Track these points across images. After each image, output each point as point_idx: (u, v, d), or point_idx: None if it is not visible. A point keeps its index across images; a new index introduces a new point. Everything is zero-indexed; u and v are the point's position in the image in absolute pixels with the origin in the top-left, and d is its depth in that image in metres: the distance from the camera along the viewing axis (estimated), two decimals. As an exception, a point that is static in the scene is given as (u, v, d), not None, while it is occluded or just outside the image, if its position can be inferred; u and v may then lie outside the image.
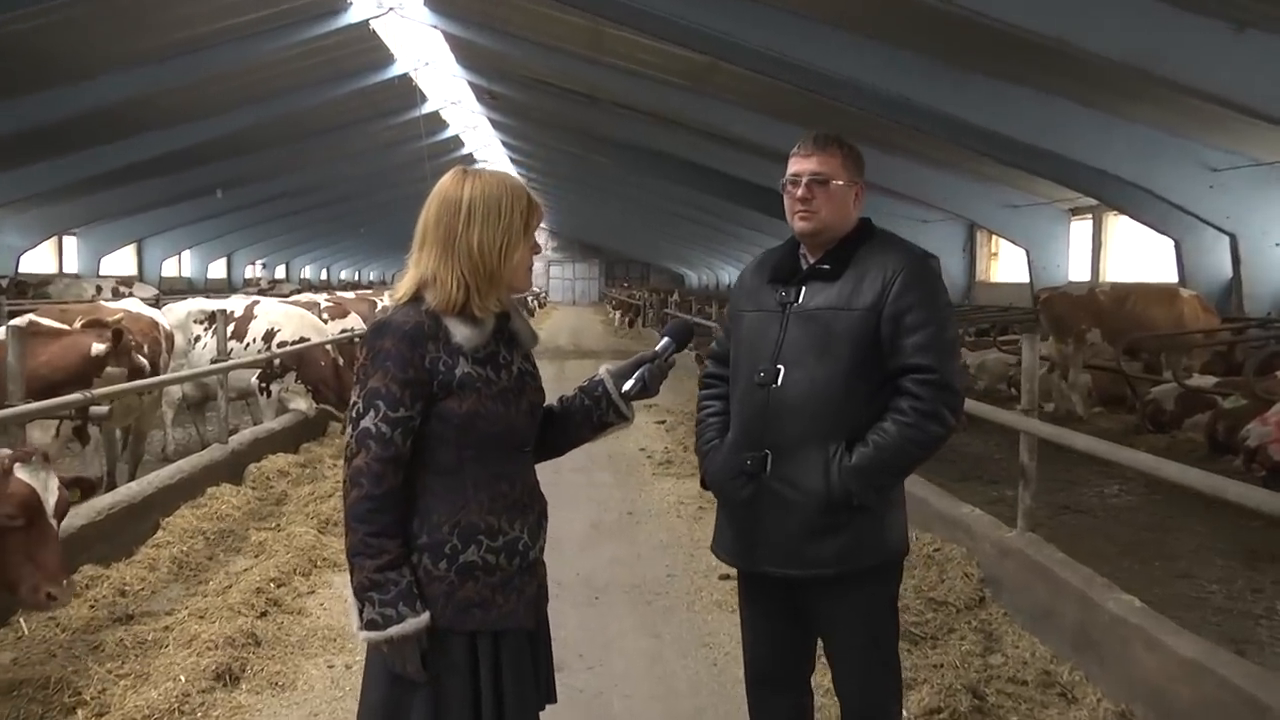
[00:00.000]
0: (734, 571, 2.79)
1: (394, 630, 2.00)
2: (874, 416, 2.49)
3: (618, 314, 34.69)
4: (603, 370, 2.37)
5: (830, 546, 2.50)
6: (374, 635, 2.01)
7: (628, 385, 2.32)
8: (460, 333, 2.07)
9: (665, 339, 2.42)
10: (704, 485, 2.78)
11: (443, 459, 2.08)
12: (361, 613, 2.02)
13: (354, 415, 2.05)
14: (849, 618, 2.58)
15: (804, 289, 2.58)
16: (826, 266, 2.57)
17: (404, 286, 2.13)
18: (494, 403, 2.09)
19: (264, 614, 4.62)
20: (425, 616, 2.02)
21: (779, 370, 2.54)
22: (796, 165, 2.61)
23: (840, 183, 2.59)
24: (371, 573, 2.00)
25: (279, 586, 4.98)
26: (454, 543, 2.06)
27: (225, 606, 4.60)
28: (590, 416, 2.34)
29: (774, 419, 2.54)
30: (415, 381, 2.04)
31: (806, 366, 2.52)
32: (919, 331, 2.46)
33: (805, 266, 2.63)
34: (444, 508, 2.07)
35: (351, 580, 2.05)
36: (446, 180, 2.14)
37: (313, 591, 5.08)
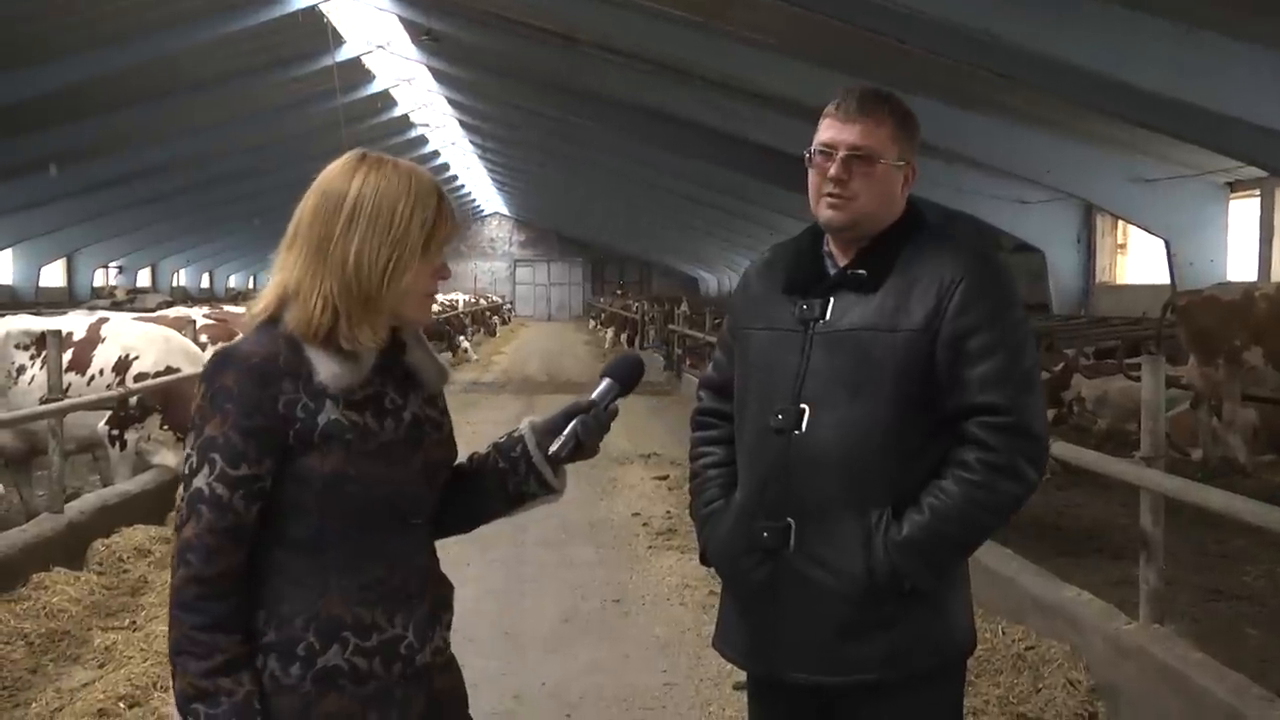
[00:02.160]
0: (752, 677, 2.82)
1: None
2: (928, 472, 2.54)
3: (610, 331, 34.76)
4: (525, 424, 2.39)
5: (875, 645, 2.53)
6: None
7: (555, 445, 2.33)
8: (325, 369, 2.11)
9: (605, 380, 2.42)
10: (704, 561, 2.82)
11: (299, 532, 2.12)
12: None
13: (186, 472, 2.08)
14: None
15: (832, 301, 2.61)
16: (863, 272, 2.60)
17: (263, 299, 2.18)
18: (371, 461, 2.13)
19: (109, 745, 4.64)
20: None
21: (802, 411, 2.57)
22: (832, 132, 2.63)
23: (888, 161, 2.61)
24: (198, 678, 2.02)
25: (132, 707, 4.99)
26: (310, 641, 2.09)
27: (54, 735, 4.61)
28: (505, 484, 2.36)
29: (798, 477, 2.56)
30: (263, 430, 2.07)
31: (838, 406, 2.54)
32: (987, 359, 2.50)
33: (834, 270, 2.67)
34: (299, 595, 2.11)
35: (174, 687, 2.07)
36: (336, 166, 2.20)
37: (178, 713, 5.09)
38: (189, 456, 2.09)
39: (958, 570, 2.63)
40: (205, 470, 2.06)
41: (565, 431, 2.33)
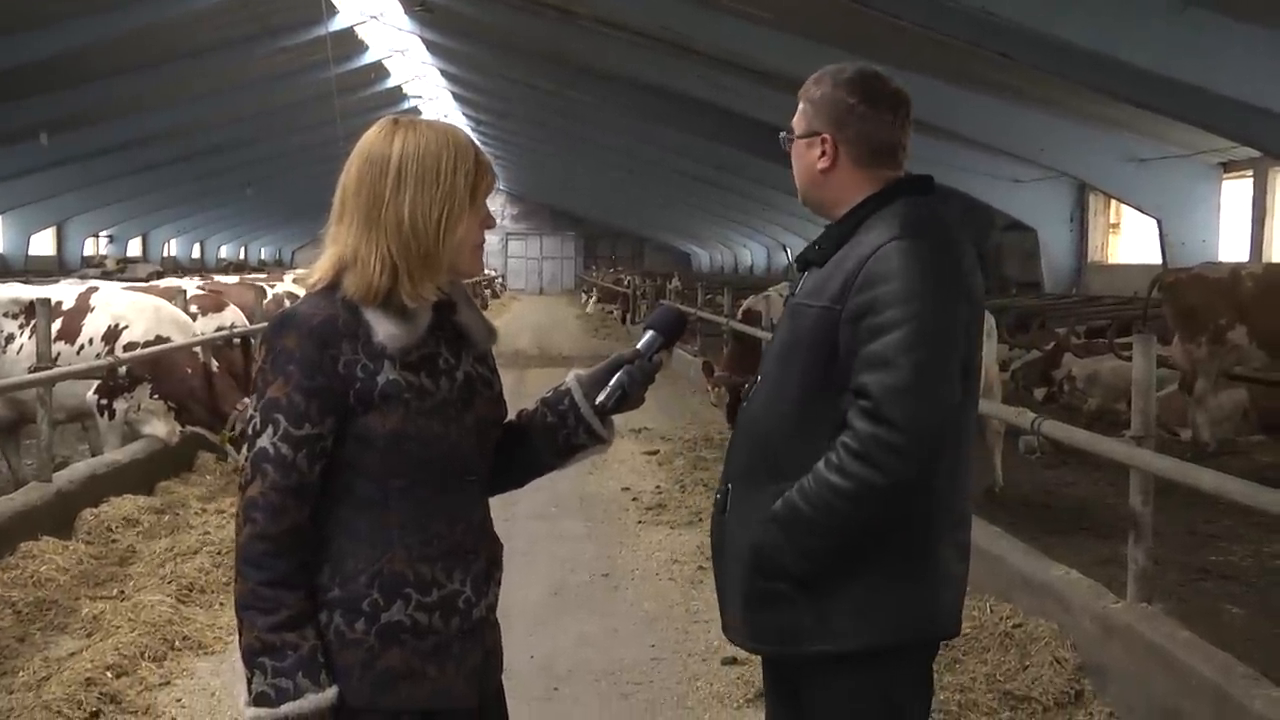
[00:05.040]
0: (739, 654, 2.86)
1: (289, 708, 2.09)
2: None
3: (599, 303, 34.59)
4: (571, 377, 2.46)
5: (770, 619, 2.57)
6: (263, 713, 2.11)
7: (602, 396, 2.40)
8: (383, 329, 2.18)
9: (649, 333, 2.50)
10: None
11: (362, 491, 2.20)
12: (250, 683, 2.12)
13: (250, 432, 2.17)
14: (826, 716, 2.61)
15: (804, 277, 2.71)
16: (817, 247, 2.68)
17: (319, 270, 2.25)
18: (428, 419, 2.20)
19: (96, 715, 4.64)
20: (332, 692, 2.12)
21: (757, 380, 2.69)
22: None
23: (796, 138, 2.70)
24: (264, 632, 2.11)
25: (119, 676, 4.99)
26: (374, 597, 2.17)
27: (40, 705, 4.60)
28: (554, 437, 2.44)
29: (735, 444, 2.71)
30: (324, 390, 2.15)
31: (770, 379, 2.65)
32: (877, 339, 2.42)
33: None
34: (363, 553, 2.19)
35: (240, 641, 2.15)
36: (372, 133, 2.27)
37: (167, 683, 5.10)
38: (252, 418, 2.17)
39: (902, 557, 2.52)
40: (269, 430, 2.14)
41: (611, 383, 2.42)
